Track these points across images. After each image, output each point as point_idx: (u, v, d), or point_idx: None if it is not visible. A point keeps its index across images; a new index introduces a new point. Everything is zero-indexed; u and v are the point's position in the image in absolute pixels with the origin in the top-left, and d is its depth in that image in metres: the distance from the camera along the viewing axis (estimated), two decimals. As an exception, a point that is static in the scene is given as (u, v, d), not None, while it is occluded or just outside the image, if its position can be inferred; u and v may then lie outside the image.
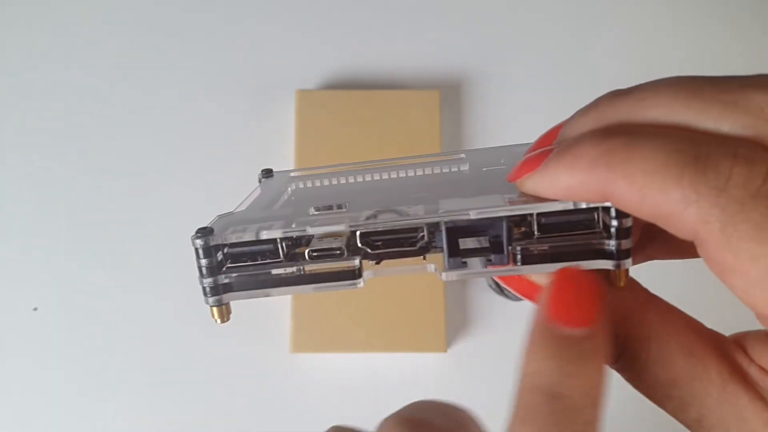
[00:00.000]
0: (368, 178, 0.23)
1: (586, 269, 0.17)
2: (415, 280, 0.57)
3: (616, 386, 0.18)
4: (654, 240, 0.20)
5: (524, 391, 0.15)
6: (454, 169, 0.22)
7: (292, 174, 0.26)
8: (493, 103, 0.64)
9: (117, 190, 0.61)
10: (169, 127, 0.62)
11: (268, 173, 0.27)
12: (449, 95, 0.63)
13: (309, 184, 0.25)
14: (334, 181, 0.24)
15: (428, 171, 0.23)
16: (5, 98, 0.62)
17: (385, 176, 0.23)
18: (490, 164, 0.23)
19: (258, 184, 0.26)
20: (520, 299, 0.61)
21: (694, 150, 0.14)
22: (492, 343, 0.59)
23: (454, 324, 0.59)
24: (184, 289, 0.60)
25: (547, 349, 0.15)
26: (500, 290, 0.58)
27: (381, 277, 0.19)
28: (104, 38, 0.63)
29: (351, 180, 0.24)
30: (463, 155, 0.24)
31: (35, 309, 0.59)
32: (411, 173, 0.23)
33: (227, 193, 0.61)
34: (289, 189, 0.24)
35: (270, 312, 0.58)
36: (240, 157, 0.61)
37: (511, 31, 0.65)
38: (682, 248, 0.20)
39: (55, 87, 0.62)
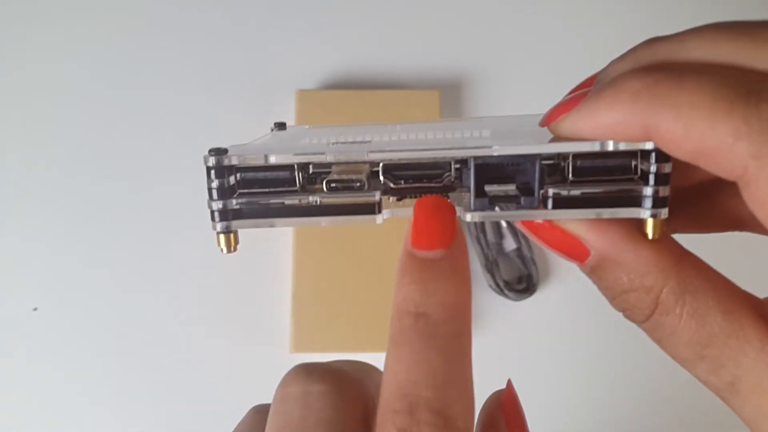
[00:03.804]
0: (386, 137, 0.21)
1: (438, 196, 0.17)
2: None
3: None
4: (681, 210, 0.19)
5: (395, 317, 0.16)
6: (476, 134, 0.21)
7: (308, 127, 0.24)
8: (493, 103, 0.64)
9: (117, 189, 0.61)
10: (169, 126, 0.62)
11: (281, 126, 0.25)
12: (449, 95, 0.63)
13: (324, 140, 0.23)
14: (350, 138, 0.22)
15: (449, 134, 0.21)
16: (4, 97, 0.62)
17: (403, 136, 0.22)
18: (511, 127, 0.22)
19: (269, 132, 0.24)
20: (519, 299, 0.61)
21: (746, 85, 0.14)
22: (492, 343, 0.59)
23: (454, 324, 0.59)
24: (184, 288, 0.60)
25: (411, 274, 0.16)
26: (500, 290, 0.58)
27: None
28: (105, 38, 0.63)
29: (368, 137, 0.22)
30: (482, 120, 0.23)
31: (35, 309, 0.59)
32: (431, 135, 0.21)
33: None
34: (305, 139, 0.23)
35: (270, 312, 0.58)
36: (240, 157, 0.61)
37: (511, 31, 0.65)
38: (708, 221, 0.19)
39: (56, 86, 0.62)
